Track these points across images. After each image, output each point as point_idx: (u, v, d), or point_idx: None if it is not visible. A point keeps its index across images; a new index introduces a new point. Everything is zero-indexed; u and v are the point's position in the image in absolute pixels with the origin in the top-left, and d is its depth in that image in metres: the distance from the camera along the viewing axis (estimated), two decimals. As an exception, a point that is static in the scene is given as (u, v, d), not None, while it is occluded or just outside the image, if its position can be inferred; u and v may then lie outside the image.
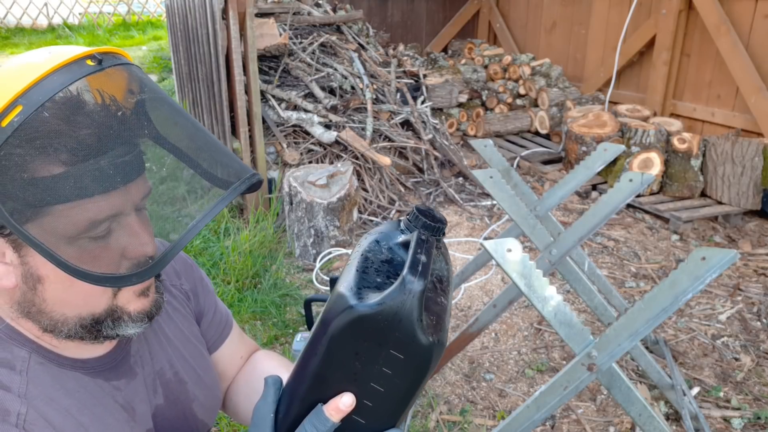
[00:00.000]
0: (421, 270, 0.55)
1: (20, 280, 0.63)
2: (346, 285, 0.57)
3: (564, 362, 2.37)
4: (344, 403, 0.57)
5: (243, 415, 0.93)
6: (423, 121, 4.33)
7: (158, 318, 0.81)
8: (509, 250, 1.14)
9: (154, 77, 8.11)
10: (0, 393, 0.62)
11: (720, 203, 3.62)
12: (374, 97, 4.23)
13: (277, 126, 3.83)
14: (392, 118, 4.23)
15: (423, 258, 0.56)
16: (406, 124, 4.33)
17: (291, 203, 3.19)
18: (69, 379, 0.68)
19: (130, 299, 0.68)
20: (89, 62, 0.58)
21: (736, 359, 2.36)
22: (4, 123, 0.54)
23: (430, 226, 0.59)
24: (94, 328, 0.67)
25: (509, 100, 5.14)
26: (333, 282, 0.70)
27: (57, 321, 0.66)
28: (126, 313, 0.68)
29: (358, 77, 4.23)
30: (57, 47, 0.61)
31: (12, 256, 0.62)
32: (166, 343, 0.82)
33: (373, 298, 0.55)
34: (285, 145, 3.69)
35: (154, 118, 0.62)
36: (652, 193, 3.83)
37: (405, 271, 0.54)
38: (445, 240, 3.35)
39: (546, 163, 4.51)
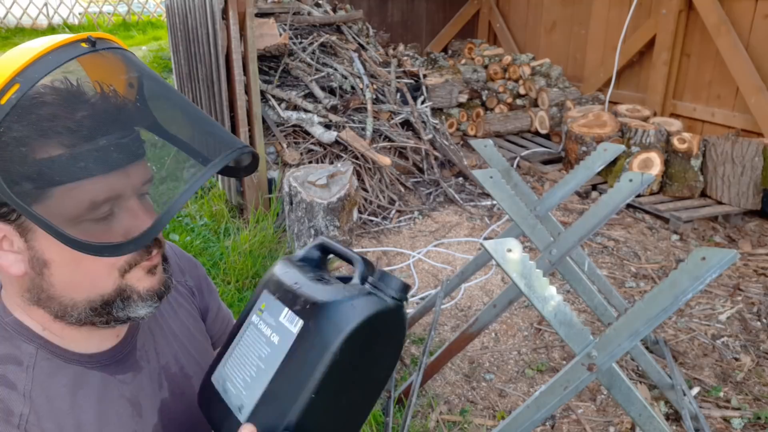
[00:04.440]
0: None
1: (28, 266, 0.64)
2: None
3: (564, 362, 2.37)
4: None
5: None
6: (423, 121, 4.33)
7: (164, 313, 0.83)
8: (509, 250, 1.14)
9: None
10: (5, 391, 0.62)
11: (720, 203, 3.61)
12: (374, 97, 4.23)
13: (277, 126, 3.83)
14: (392, 118, 4.23)
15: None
16: (406, 124, 4.33)
17: (291, 203, 3.19)
18: (75, 374, 0.69)
19: (140, 277, 0.68)
20: (83, 45, 0.59)
21: (736, 359, 2.36)
22: (3, 101, 0.54)
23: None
24: (104, 311, 0.67)
25: (509, 100, 5.14)
26: None
27: (66, 306, 0.66)
28: (135, 293, 0.68)
29: (358, 77, 4.23)
30: (55, 35, 0.62)
31: (19, 243, 0.63)
32: (172, 338, 0.83)
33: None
34: (285, 145, 3.69)
35: (148, 99, 0.63)
36: (652, 193, 3.83)
37: None
38: (446, 240, 3.36)
39: (546, 163, 4.51)
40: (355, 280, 0.65)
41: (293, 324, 0.63)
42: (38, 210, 0.56)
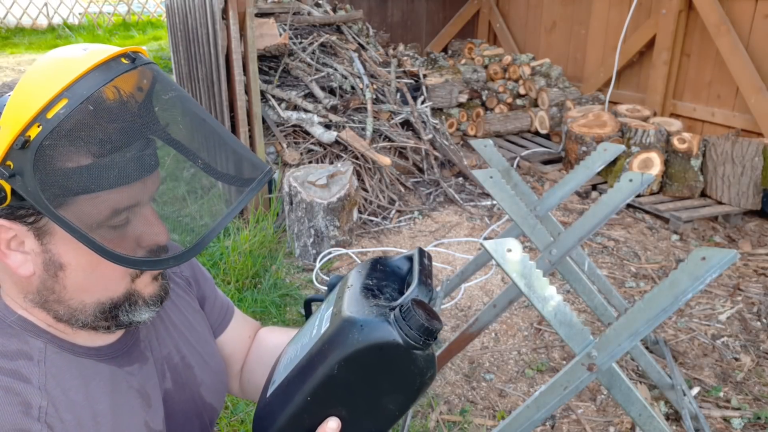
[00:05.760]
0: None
1: (40, 268, 0.65)
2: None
3: (564, 362, 2.37)
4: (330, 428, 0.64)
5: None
6: (423, 121, 4.33)
7: (164, 305, 0.85)
8: (509, 250, 1.14)
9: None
10: (21, 385, 0.63)
11: (720, 203, 3.61)
12: (374, 97, 4.23)
13: (277, 126, 3.83)
14: (392, 118, 4.23)
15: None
16: (406, 124, 4.33)
17: (291, 203, 3.19)
18: (85, 366, 0.70)
19: (147, 283, 0.72)
20: (124, 60, 0.61)
21: (736, 359, 2.36)
22: (50, 114, 0.56)
23: None
24: (111, 314, 0.69)
25: (509, 100, 5.14)
26: (331, 286, 0.75)
27: (75, 309, 0.67)
28: (141, 298, 0.71)
29: (358, 77, 4.23)
30: (90, 44, 0.64)
31: (33, 244, 0.63)
32: (172, 329, 0.84)
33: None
34: (285, 145, 3.68)
35: (182, 114, 0.68)
36: (652, 193, 3.83)
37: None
38: (446, 240, 3.36)
39: (546, 163, 4.51)
40: (398, 302, 0.63)
41: (326, 324, 0.65)
42: (67, 216, 0.58)
